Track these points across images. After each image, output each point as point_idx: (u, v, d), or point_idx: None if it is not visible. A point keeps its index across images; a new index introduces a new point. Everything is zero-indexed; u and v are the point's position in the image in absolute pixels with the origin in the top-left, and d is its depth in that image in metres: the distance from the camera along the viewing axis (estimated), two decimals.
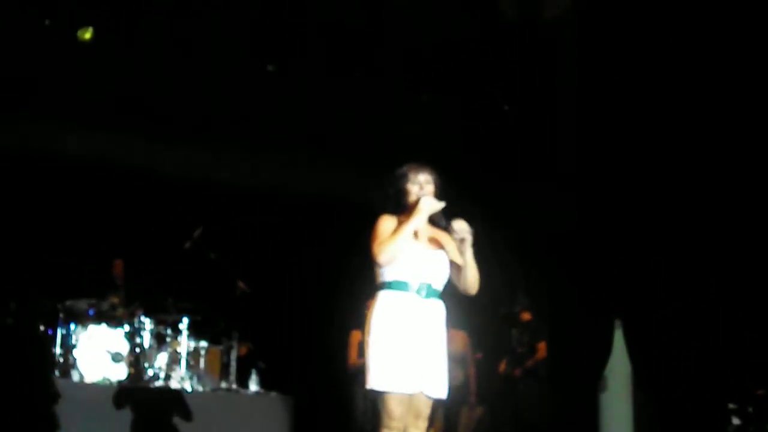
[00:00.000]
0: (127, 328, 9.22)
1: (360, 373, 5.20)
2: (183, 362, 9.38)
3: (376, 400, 5.13)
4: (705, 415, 9.49)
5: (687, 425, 9.50)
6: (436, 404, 5.28)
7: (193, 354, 9.53)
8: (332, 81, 9.81)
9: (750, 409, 9.29)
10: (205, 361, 9.65)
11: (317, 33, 9.40)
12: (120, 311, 9.41)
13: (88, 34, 8.98)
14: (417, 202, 5.16)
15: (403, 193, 5.28)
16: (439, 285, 5.19)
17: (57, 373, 8.85)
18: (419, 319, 5.08)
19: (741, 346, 9.45)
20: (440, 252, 5.20)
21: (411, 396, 5.07)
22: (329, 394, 9.73)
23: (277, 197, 10.95)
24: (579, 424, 10.31)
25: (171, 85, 9.67)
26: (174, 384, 9.19)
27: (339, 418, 9.09)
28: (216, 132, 10.23)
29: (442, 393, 5.20)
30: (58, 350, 9.04)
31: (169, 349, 9.38)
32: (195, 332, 9.58)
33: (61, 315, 9.14)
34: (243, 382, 9.81)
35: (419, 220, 5.10)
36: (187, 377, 9.31)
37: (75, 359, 8.98)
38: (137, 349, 9.18)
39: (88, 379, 8.90)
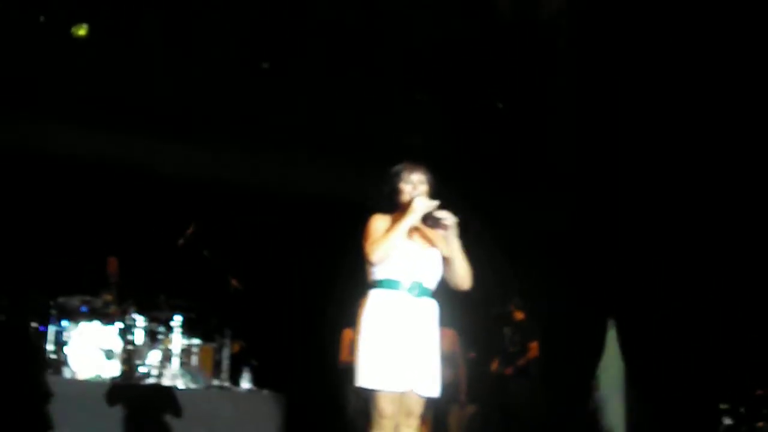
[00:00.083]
0: (119, 325, 9.21)
1: (352, 371, 5.19)
2: (175, 360, 9.38)
3: (367, 398, 5.13)
4: (697, 415, 9.52)
5: (680, 425, 9.52)
6: (428, 403, 5.28)
7: (186, 351, 9.53)
8: (330, 80, 9.82)
9: (742, 409, 9.31)
10: (198, 359, 9.64)
11: (315, 32, 9.40)
12: (112, 308, 9.40)
13: (82, 31, 8.98)
14: (410, 201, 5.16)
15: (396, 192, 5.27)
16: (431, 284, 5.18)
17: (49, 370, 8.83)
18: (411, 318, 5.07)
19: (734, 346, 9.48)
20: (432, 250, 5.20)
21: (402, 394, 5.07)
22: (322, 392, 9.74)
23: (270, 195, 10.96)
24: (572, 423, 10.33)
25: (167, 84, 9.68)
26: (166, 381, 9.18)
27: (331, 416, 9.10)
28: (209, 130, 10.24)
29: (434, 392, 5.20)
30: (50, 347, 9.02)
31: (162, 347, 9.38)
32: (187, 330, 9.57)
33: (53, 312, 9.12)
34: (235, 380, 9.80)
35: (413, 219, 5.10)
36: (179, 375, 9.30)
37: (67, 356, 8.97)
38: (130, 347, 9.17)
39: (81, 376, 8.89)
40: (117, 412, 8.40)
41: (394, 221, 5.12)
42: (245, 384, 9.81)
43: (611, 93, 9.64)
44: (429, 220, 5.13)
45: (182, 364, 9.42)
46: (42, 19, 8.87)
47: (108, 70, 9.42)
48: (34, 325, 9.12)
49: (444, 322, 5.27)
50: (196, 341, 9.66)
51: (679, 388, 9.70)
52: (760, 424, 9.04)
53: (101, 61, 9.31)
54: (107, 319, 9.27)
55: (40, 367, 8.72)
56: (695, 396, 9.59)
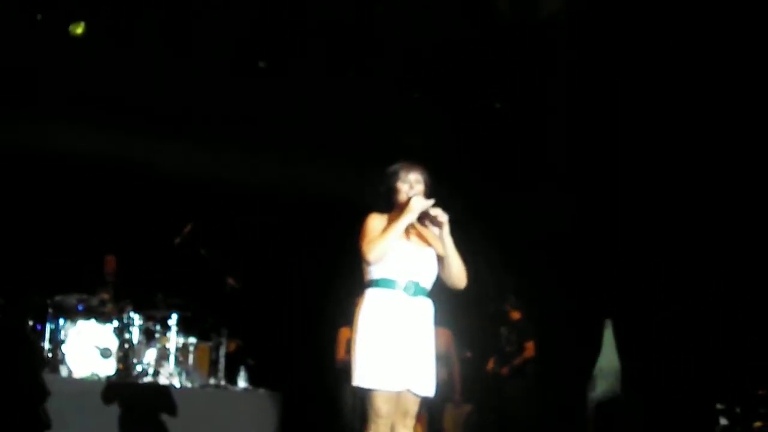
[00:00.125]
0: (116, 323, 9.21)
1: (348, 369, 5.19)
2: (172, 358, 9.38)
3: (363, 397, 5.13)
4: (693, 415, 9.53)
5: (676, 425, 9.54)
6: (423, 402, 5.28)
7: (182, 350, 9.53)
8: (328, 80, 9.83)
9: (737, 410, 9.32)
10: (194, 358, 9.64)
11: (314, 32, 9.40)
12: (109, 307, 9.40)
13: (80, 29, 8.97)
14: (407, 200, 5.16)
15: (393, 191, 5.27)
16: (427, 283, 5.18)
17: (46, 368, 8.83)
18: (407, 317, 5.07)
19: (731, 346, 9.49)
20: (428, 250, 5.20)
21: (398, 394, 5.07)
22: (318, 391, 9.74)
23: (268, 195, 10.98)
24: (567, 423, 10.34)
25: (165, 83, 9.69)
26: (163, 380, 9.18)
27: (327, 415, 9.10)
28: (207, 130, 10.25)
29: (429, 391, 5.20)
30: (46, 345, 9.02)
31: (158, 345, 9.38)
32: (184, 328, 9.57)
33: (50, 310, 9.12)
34: (232, 379, 9.80)
35: (409, 219, 5.10)
36: (175, 373, 9.30)
37: (64, 354, 8.96)
38: (126, 345, 9.17)
39: (77, 374, 8.89)
40: (113, 411, 8.40)
41: (391, 220, 5.12)
42: (242, 383, 9.81)
43: (610, 93, 9.64)
44: (423, 218, 5.13)
45: (179, 362, 9.42)
46: (39, 17, 8.86)
47: (106, 68, 9.42)
48: (30, 323, 9.11)
49: (439, 321, 5.27)
50: (192, 340, 9.65)
51: (675, 389, 9.71)
52: (759, 424, 9.04)
53: (99, 60, 9.31)
54: (104, 317, 9.27)
55: (37, 366, 8.71)
56: (691, 396, 9.61)
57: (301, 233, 11.08)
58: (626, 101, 9.62)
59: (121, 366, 9.10)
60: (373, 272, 5.12)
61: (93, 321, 9.18)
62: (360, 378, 5.04)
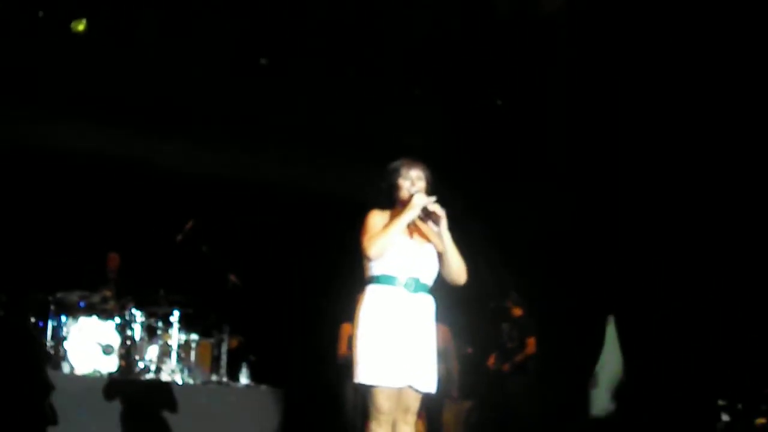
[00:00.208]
0: (118, 320, 9.22)
1: (350, 366, 5.20)
2: (174, 355, 9.39)
3: (364, 394, 5.14)
4: (695, 411, 9.54)
5: (677, 421, 9.54)
6: (424, 398, 5.28)
7: (184, 347, 9.54)
8: (328, 77, 9.82)
9: (739, 406, 9.33)
10: (196, 354, 9.65)
11: (314, 30, 9.40)
12: (111, 304, 9.41)
13: (81, 26, 8.97)
14: (408, 197, 5.17)
15: (394, 187, 5.28)
16: (428, 279, 5.19)
17: (48, 365, 8.84)
18: (407, 314, 5.08)
19: (733, 343, 9.49)
20: (428, 246, 5.21)
21: (400, 390, 5.07)
22: (319, 388, 9.75)
23: (269, 192, 10.98)
24: (569, 419, 10.35)
25: (166, 80, 9.69)
26: (165, 376, 9.19)
27: (329, 411, 9.11)
28: (208, 127, 10.26)
29: (431, 387, 5.20)
30: (48, 342, 9.03)
31: (160, 342, 9.39)
32: (186, 325, 9.58)
33: (52, 307, 9.13)
34: (234, 375, 9.82)
35: (411, 215, 5.10)
36: (177, 370, 9.32)
37: (66, 351, 8.97)
38: (128, 342, 9.18)
39: (79, 371, 8.90)
40: (115, 408, 8.41)
41: (392, 217, 5.13)
42: (243, 379, 9.83)
43: (611, 90, 9.64)
44: (422, 214, 5.14)
45: (181, 359, 9.43)
46: (41, 14, 8.86)
47: (107, 65, 9.42)
48: (32, 320, 9.12)
49: (438, 317, 5.28)
50: (194, 336, 9.66)
51: (677, 385, 9.72)
52: (761, 420, 9.05)
53: (100, 57, 9.31)
54: (106, 314, 9.28)
55: (41, 362, 8.72)
56: (693, 392, 9.61)
57: (302, 230, 11.08)
58: (627, 98, 9.62)
59: (123, 363, 9.11)
60: (374, 269, 5.12)
61: (95, 318, 9.19)
62: (361, 375, 5.05)
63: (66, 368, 8.89)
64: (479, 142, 10.52)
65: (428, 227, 5.20)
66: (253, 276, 10.23)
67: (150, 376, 9.16)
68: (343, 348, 8.63)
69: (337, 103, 10.12)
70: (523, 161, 10.50)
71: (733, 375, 9.51)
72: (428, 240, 5.22)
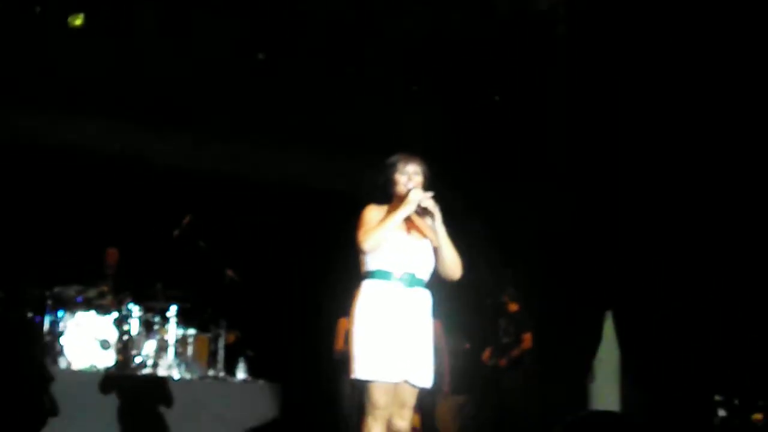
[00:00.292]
0: (115, 315, 9.22)
1: (346, 361, 5.20)
2: (171, 350, 9.39)
3: (361, 389, 5.14)
4: (692, 407, 9.54)
5: (675, 416, 9.55)
6: (421, 393, 5.29)
7: (181, 341, 9.54)
8: (326, 73, 9.82)
9: (736, 401, 9.34)
10: (193, 349, 9.65)
11: (312, 25, 9.40)
12: (108, 298, 9.41)
13: (78, 21, 8.96)
14: (405, 192, 5.17)
15: (391, 182, 5.28)
16: (424, 274, 5.19)
17: (45, 360, 8.84)
18: (403, 309, 5.08)
19: (731, 339, 9.50)
20: (424, 241, 5.21)
21: (396, 385, 5.08)
22: (317, 382, 9.75)
23: (266, 187, 10.98)
24: (566, 414, 10.34)
25: (164, 75, 9.68)
26: (162, 371, 9.19)
27: (326, 406, 9.11)
28: (205, 122, 10.25)
29: (427, 382, 5.21)
30: (45, 337, 9.02)
31: (157, 337, 9.38)
32: (183, 320, 9.58)
33: (48, 302, 9.12)
34: (231, 370, 9.82)
35: (407, 210, 5.11)
36: (174, 365, 9.32)
37: (63, 346, 8.97)
38: (125, 337, 9.18)
39: (76, 366, 8.90)
40: (112, 402, 8.42)
41: (389, 212, 5.13)
42: (240, 374, 9.83)
43: (611, 86, 9.63)
44: (417, 209, 5.14)
45: (178, 354, 9.43)
46: (38, 9, 8.85)
47: (104, 61, 9.40)
48: (30, 315, 9.12)
49: (434, 312, 5.28)
50: (191, 331, 9.66)
51: (674, 380, 9.72)
52: (758, 416, 9.06)
53: (97, 52, 9.30)
54: (103, 309, 9.28)
55: (37, 356, 8.72)
56: (690, 387, 9.62)
57: (299, 225, 11.08)
58: (627, 96, 9.61)
59: (120, 357, 9.11)
60: (370, 263, 5.13)
61: (92, 312, 9.19)
62: (357, 370, 5.05)
63: (63, 363, 8.89)
64: (477, 139, 10.51)
65: (424, 222, 5.20)
66: (251, 271, 10.22)
67: (147, 371, 9.17)
68: (339, 343, 8.63)
69: (336, 99, 10.11)
70: (522, 158, 10.50)
71: (730, 371, 9.51)
72: (424, 235, 5.22)
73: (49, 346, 8.95)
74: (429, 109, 10.25)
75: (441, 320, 9.21)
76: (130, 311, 9.27)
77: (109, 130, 10.18)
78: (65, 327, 9.03)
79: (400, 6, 9.20)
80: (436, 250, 5.19)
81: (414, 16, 9.25)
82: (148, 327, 9.40)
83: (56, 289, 9.23)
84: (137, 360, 9.20)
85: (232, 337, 9.97)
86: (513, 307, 10.09)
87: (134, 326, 9.26)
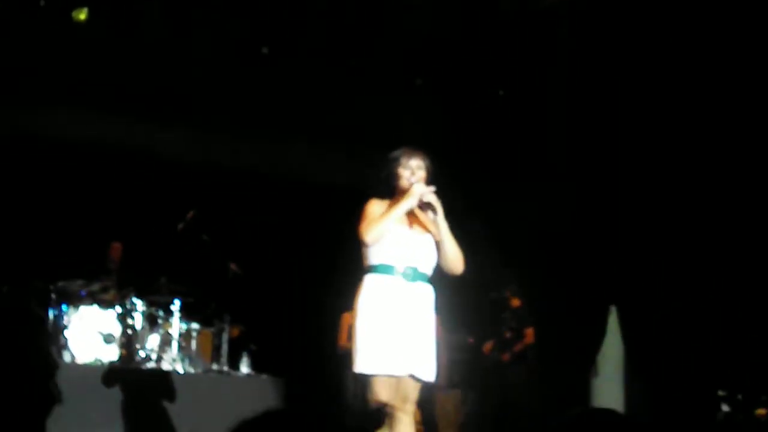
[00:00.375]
0: (119, 309, 9.22)
1: (350, 355, 5.21)
2: (174, 344, 9.39)
3: (364, 383, 5.15)
4: (696, 402, 9.53)
5: (677, 411, 9.54)
6: (424, 388, 5.29)
7: (185, 336, 9.54)
8: (329, 67, 9.81)
9: (739, 397, 9.33)
10: (197, 343, 9.66)
11: (315, 19, 9.39)
12: (112, 293, 9.42)
13: (83, 15, 8.96)
14: (408, 186, 5.17)
15: (394, 176, 5.28)
16: (427, 268, 5.19)
17: (50, 355, 8.84)
18: (406, 303, 5.08)
19: (734, 334, 9.49)
20: (427, 235, 5.21)
21: (399, 379, 5.08)
22: (320, 377, 9.76)
23: (270, 181, 10.99)
24: (569, 408, 10.33)
25: (168, 68, 9.68)
26: (165, 366, 9.20)
27: (330, 401, 9.12)
28: (210, 115, 10.25)
29: (430, 376, 5.21)
30: (50, 331, 9.03)
31: (161, 331, 9.38)
32: (187, 314, 9.58)
33: (53, 296, 9.13)
34: (234, 364, 9.83)
35: (409, 203, 5.11)
36: (178, 359, 9.32)
37: (67, 340, 8.98)
38: (129, 331, 9.19)
39: (80, 360, 8.91)
40: (116, 396, 8.42)
41: (391, 206, 5.13)
42: (244, 368, 9.84)
43: (612, 83, 9.61)
44: (419, 203, 5.14)
45: (181, 348, 9.44)
46: (42, 2, 8.85)
47: (108, 54, 9.41)
48: (36, 309, 9.12)
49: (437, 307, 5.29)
50: (195, 326, 9.67)
51: (678, 375, 9.72)
52: (761, 411, 9.05)
53: (101, 45, 9.30)
54: (107, 303, 9.28)
55: (43, 350, 8.72)
56: (694, 382, 9.61)
57: (303, 219, 11.08)
58: (628, 93, 9.59)
59: (124, 352, 9.12)
60: (372, 258, 5.13)
61: (96, 307, 9.20)
62: (360, 364, 5.06)
63: (67, 357, 8.90)
64: (479, 134, 10.50)
65: (426, 216, 5.20)
66: (254, 265, 10.23)
67: (151, 365, 9.17)
68: (343, 338, 8.64)
69: (339, 92, 10.11)
70: (524, 154, 10.48)
71: (733, 366, 9.51)
72: (426, 229, 5.22)
73: (54, 340, 8.96)
74: (430, 106, 10.24)
75: (441, 315, 9.23)
76: (133, 305, 9.27)
77: (113, 124, 10.18)
78: (69, 321, 9.03)
79: (402, 1, 9.19)
80: (438, 245, 5.19)
81: (416, 11, 9.24)
82: (151, 321, 9.40)
83: (60, 284, 9.23)
84: (141, 354, 9.20)
85: (235, 332, 9.98)
86: (515, 302, 10.09)
87: (138, 320, 9.27)
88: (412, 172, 5.25)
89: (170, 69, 9.69)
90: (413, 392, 5.17)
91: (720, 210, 9.37)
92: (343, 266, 6.40)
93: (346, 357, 7.91)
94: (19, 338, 8.55)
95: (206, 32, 9.34)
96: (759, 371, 9.29)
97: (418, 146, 5.43)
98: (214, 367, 9.67)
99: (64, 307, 9.08)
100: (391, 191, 5.23)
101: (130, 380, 8.61)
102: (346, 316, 8.51)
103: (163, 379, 8.81)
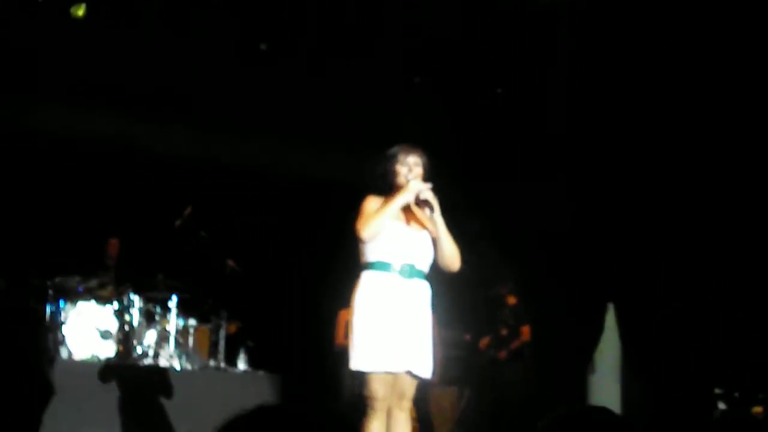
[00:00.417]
0: (116, 305, 9.21)
1: (347, 352, 5.21)
2: (172, 340, 9.37)
3: (360, 380, 5.15)
4: (693, 399, 9.55)
5: (674, 409, 9.55)
6: (420, 385, 5.30)
7: (182, 332, 9.52)
8: (327, 64, 9.81)
9: (736, 395, 9.34)
10: (194, 340, 9.64)
11: (313, 16, 9.38)
12: (109, 289, 9.40)
13: (81, 11, 8.96)
14: (405, 183, 5.18)
15: (391, 174, 5.29)
16: (423, 266, 5.20)
17: (47, 351, 8.83)
18: (402, 300, 5.09)
19: (732, 332, 9.50)
20: (424, 233, 5.22)
21: (395, 376, 5.09)
22: (317, 374, 9.76)
23: (267, 178, 10.99)
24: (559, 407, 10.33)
25: (165, 65, 9.67)
26: (162, 362, 9.18)
27: (327, 398, 9.12)
28: (208, 111, 10.24)
29: (426, 373, 5.21)
30: (47, 326, 9.02)
31: (158, 327, 9.37)
32: (184, 310, 9.56)
33: (50, 292, 9.12)
34: (231, 361, 9.81)
35: (405, 198, 5.12)
36: (175, 355, 9.31)
37: (64, 336, 8.97)
38: (126, 327, 9.17)
39: (77, 356, 8.90)
40: (113, 393, 8.41)
41: (388, 202, 5.14)
42: (241, 365, 9.83)
43: (612, 84, 9.61)
44: (416, 200, 5.15)
45: (179, 344, 9.42)
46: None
47: (106, 50, 9.40)
48: (33, 305, 9.11)
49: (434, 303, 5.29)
50: (192, 322, 9.64)
51: (675, 373, 9.73)
52: (758, 409, 9.06)
53: (99, 42, 9.30)
54: (104, 299, 9.27)
55: (41, 345, 8.72)
56: (691, 380, 9.62)
57: (301, 216, 11.08)
58: (629, 92, 9.59)
59: (121, 348, 9.10)
60: (369, 255, 5.13)
61: (93, 303, 9.18)
62: (356, 361, 5.06)
63: (64, 353, 8.89)
64: (478, 133, 10.50)
65: (423, 213, 5.21)
66: (252, 261, 10.23)
67: (148, 361, 9.15)
68: (340, 335, 8.63)
69: (338, 89, 10.11)
70: (523, 152, 10.49)
71: (730, 364, 9.52)
72: (424, 226, 5.23)
73: (51, 336, 8.95)
74: (429, 104, 10.24)
75: (437, 312, 9.23)
76: (131, 301, 9.25)
77: (111, 121, 10.17)
78: (66, 317, 9.02)
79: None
80: (435, 242, 5.20)
81: (415, 9, 9.23)
82: (149, 317, 9.38)
83: (57, 279, 9.21)
84: (138, 350, 9.18)
85: (233, 328, 9.97)
86: (511, 300, 10.10)
87: (135, 317, 9.25)
88: (410, 169, 5.26)
89: (168, 65, 9.69)
90: (410, 389, 5.18)
91: (716, 207, 9.38)
92: (341, 263, 6.41)
93: (342, 354, 7.93)
94: (16, 334, 8.55)
95: (205, 29, 9.34)
96: (755, 369, 9.31)
97: (416, 144, 5.43)
98: (212, 363, 9.66)
99: (61, 303, 9.07)
100: (389, 188, 5.24)
101: (127, 376, 8.61)
102: (343, 313, 8.51)
103: (160, 376, 8.81)
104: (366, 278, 5.14)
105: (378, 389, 5.04)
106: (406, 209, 5.19)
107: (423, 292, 5.19)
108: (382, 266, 5.10)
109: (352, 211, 5.28)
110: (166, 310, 9.42)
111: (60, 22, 9.02)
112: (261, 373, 9.74)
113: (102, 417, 8.27)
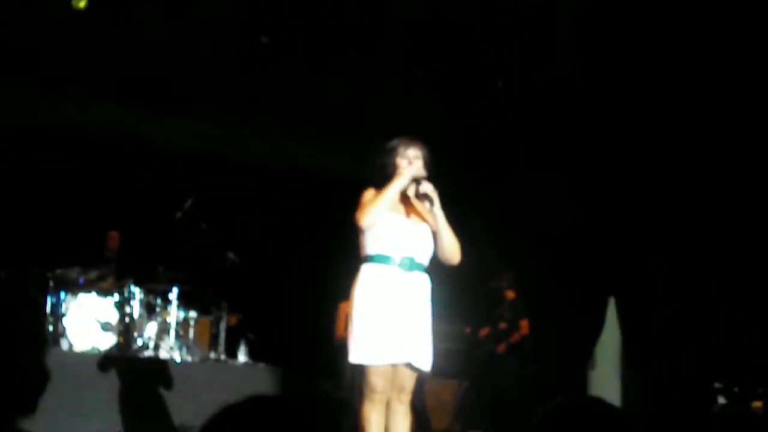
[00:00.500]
0: (116, 297, 9.21)
1: (347, 345, 5.22)
2: (172, 332, 9.37)
3: (359, 372, 5.16)
4: (693, 394, 9.55)
5: (673, 403, 9.55)
6: (420, 377, 5.30)
7: (183, 324, 9.52)
8: (328, 57, 9.80)
9: (736, 389, 9.35)
10: (195, 332, 9.64)
11: (313, 8, 9.37)
12: (109, 281, 9.41)
13: (82, 3, 8.95)
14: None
15: (391, 166, 5.28)
16: (423, 259, 5.20)
17: (48, 342, 8.82)
18: (402, 293, 5.09)
19: (732, 326, 9.50)
20: (424, 226, 5.21)
21: (394, 369, 5.09)
22: (318, 366, 9.76)
23: (268, 170, 10.99)
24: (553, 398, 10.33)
25: (167, 56, 9.67)
26: (163, 354, 9.18)
27: (327, 390, 9.12)
28: (208, 104, 10.24)
29: (426, 365, 5.22)
30: (48, 318, 9.03)
31: (159, 319, 9.37)
32: (185, 302, 9.56)
33: (51, 283, 9.12)
34: (232, 353, 9.82)
35: (401, 183, 5.11)
36: (176, 347, 9.31)
37: (64, 328, 8.98)
38: (127, 319, 9.18)
39: (77, 348, 8.91)
40: (113, 384, 8.41)
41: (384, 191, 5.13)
42: (242, 357, 9.84)
43: (614, 80, 9.60)
44: (416, 193, 5.14)
45: (179, 336, 9.43)
46: None
47: (108, 42, 9.40)
48: (34, 295, 9.10)
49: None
50: (193, 314, 9.64)
51: (675, 367, 9.73)
52: (757, 404, 9.07)
53: (101, 34, 9.29)
54: (104, 291, 9.28)
55: (40, 339, 8.70)
56: (690, 375, 9.63)
57: (301, 208, 11.08)
58: (630, 88, 9.58)
59: (121, 340, 9.10)
60: (369, 248, 5.13)
61: (94, 294, 9.19)
62: (356, 353, 5.06)
63: (65, 345, 8.89)
64: (479, 126, 10.50)
65: (423, 206, 5.21)
66: (252, 253, 10.23)
67: (148, 353, 9.16)
68: (340, 328, 8.64)
69: (338, 82, 10.10)
70: (523, 147, 10.48)
71: (730, 358, 9.52)
72: (424, 219, 5.22)
73: (51, 328, 8.95)
74: (430, 97, 10.23)
75: (437, 305, 9.24)
76: (131, 293, 9.25)
77: (112, 112, 10.17)
78: (67, 309, 9.02)
79: None
80: (435, 235, 5.20)
81: (415, 2, 9.22)
82: (149, 309, 9.38)
83: (58, 271, 9.22)
84: (138, 342, 9.19)
85: (233, 320, 9.97)
86: (510, 293, 10.11)
87: (136, 308, 9.24)
88: (410, 161, 5.26)
89: (169, 57, 9.68)
90: (409, 382, 5.18)
91: (717, 201, 9.38)
92: (341, 256, 6.42)
93: (343, 347, 7.94)
94: (16, 324, 8.54)
95: (206, 21, 9.34)
96: (755, 364, 9.31)
97: (418, 133, 5.43)
98: (212, 355, 9.66)
99: (62, 294, 9.07)
100: (388, 181, 5.23)
101: (128, 368, 8.60)
102: (343, 305, 8.51)
103: (160, 368, 8.80)
104: (366, 271, 5.14)
105: (377, 382, 5.05)
106: (406, 202, 5.19)
107: (423, 285, 5.19)
108: (382, 259, 5.10)
109: (352, 204, 5.28)
110: (167, 302, 9.42)
111: (61, 14, 9.01)
112: (261, 365, 9.74)
113: (102, 409, 8.26)
